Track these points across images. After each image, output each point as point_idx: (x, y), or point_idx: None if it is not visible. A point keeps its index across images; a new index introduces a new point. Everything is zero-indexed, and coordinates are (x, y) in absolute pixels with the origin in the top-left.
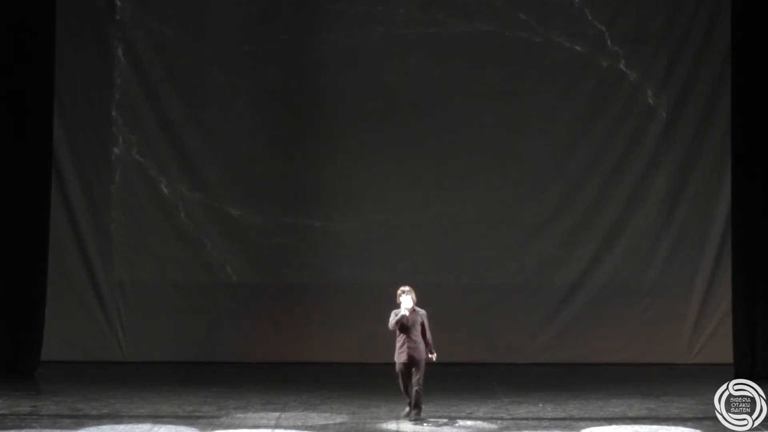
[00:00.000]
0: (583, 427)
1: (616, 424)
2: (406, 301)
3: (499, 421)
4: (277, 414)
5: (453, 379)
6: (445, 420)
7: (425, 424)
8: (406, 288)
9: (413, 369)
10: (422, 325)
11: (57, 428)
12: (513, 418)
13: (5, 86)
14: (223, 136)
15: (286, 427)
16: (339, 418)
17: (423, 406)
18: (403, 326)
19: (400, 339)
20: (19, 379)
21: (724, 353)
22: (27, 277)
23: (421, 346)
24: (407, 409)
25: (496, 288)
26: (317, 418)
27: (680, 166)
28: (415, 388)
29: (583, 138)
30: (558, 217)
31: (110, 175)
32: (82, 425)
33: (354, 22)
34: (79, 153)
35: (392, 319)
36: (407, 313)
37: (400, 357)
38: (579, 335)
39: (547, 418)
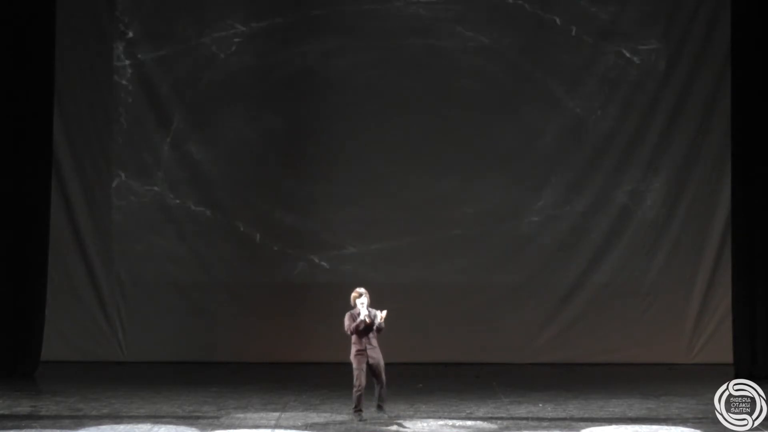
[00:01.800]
0: (583, 427)
1: (616, 424)
2: (363, 304)
3: (499, 421)
4: (277, 414)
5: (453, 379)
6: (445, 420)
7: (425, 424)
8: (362, 290)
9: (376, 371)
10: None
11: (57, 428)
12: (513, 418)
13: (5, 86)
14: (223, 135)
15: (286, 427)
16: (339, 418)
17: (423, 407)
18: (362, 332)
19: (359, 342)
20: (19, 379)
21: (724, 353)
22: (27, 277)
23: (378, 347)
24: (358, 414)
25: (496, 288)
26: (317, 418)
27: (680, 166)
28: (380, 389)
29: (583, 138)
30: (558, 217)
31: (110, 175)
32: (82, 425)
33: (355, 22)
34: (79, 153)
35: (350, 324)
36: (367, 320)
37: (359, 359)
38: (579, 335)
39: (547, 418)
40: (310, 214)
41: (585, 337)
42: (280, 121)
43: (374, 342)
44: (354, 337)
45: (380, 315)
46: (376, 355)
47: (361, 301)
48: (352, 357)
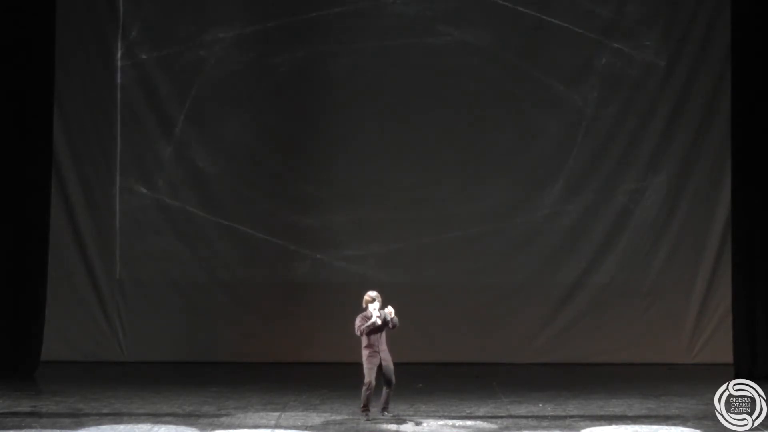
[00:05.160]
0: (583, 427)
1: (616, 424)
2: (375, 308)
3: (499, 421)
4: (277, 414)
5: (453, 379)
6: (445, 420)
7: (425, 424)
8: (375, 294)
9: (387, 374)
10: (392, 325)
11: (57, 428)
12: (513, 418)
13: (5, 86)
14: (223, 135)
15: (286, 427)
16: (339, 418)
17: (423, 407)
18: (374, 331)
19: (371, 344)
20: (19, 379)
21: (724, 353)
22: (27, 277)
23: (388, 350)
24: (366, 413)
25: (496, 288)
26: (317, 418)
27: (680, 166)
28: (388, 391)
29: (583, 138)
30: (558, 217)
31: (110, 175)
32: (82, 425)
33: (355, 22)
34: (79, 153)
35: (362, 325)
36: (379, 322)
37: (371, 359)
38: (579, 335)
39: (547, 418)
40: (311, 214)
41: (585, 337)
42: (280, 122)
43: (385, 345)
44: (365, 339)
45: (388, 310)
46: (387, 357)
47: (374, 306)
48: (364, 357)
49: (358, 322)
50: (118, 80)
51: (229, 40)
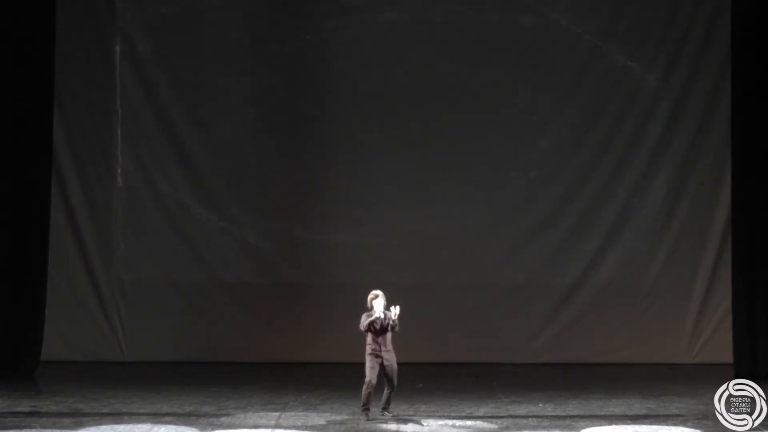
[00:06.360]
0: (583, 427)
1: (616, 423)
2: (379, 305)
3: (499, 421)
4: (277, 414)
5: (453, 379)
6: (445, 420)
7: (425, 424)
8: (379, 292)
9: (389, 374)
10: (390, 326)
11: (57, 428)
12: (513, 418)
13: (5, 86)
14: (223, 135)
15: (286, 427)
16: (339, 418)
17: (423, 407)
18: (376, 329)
19: (374, 343)
20: (19, 379)
21: (724, 353)
22: (27, 277)
23: (393, 350)
24: (366, 412)
25: (496, 288)
26: (317, 418)
27: (680, 166)
28: (390, 392)
29: (583, 138)
30: (558, 217)
31: (110, 175)
32: (82, 425)
33: (354, 21)
34: (79, 153)
35: (365, 321)
36: (382, 316)
37: (373, 358)
38: (579, 335)
39: (547, 418)
40: (311, 214)
41: (585, 337)
42: (281, 122)
43: (389, 345)
44: (369, 338)
45: (394, 311)
46: (390, 357)
47: (377, 302)
48: (366, 355)
49: (363, 318)
50: (118, 80)
51: (229, 40)
